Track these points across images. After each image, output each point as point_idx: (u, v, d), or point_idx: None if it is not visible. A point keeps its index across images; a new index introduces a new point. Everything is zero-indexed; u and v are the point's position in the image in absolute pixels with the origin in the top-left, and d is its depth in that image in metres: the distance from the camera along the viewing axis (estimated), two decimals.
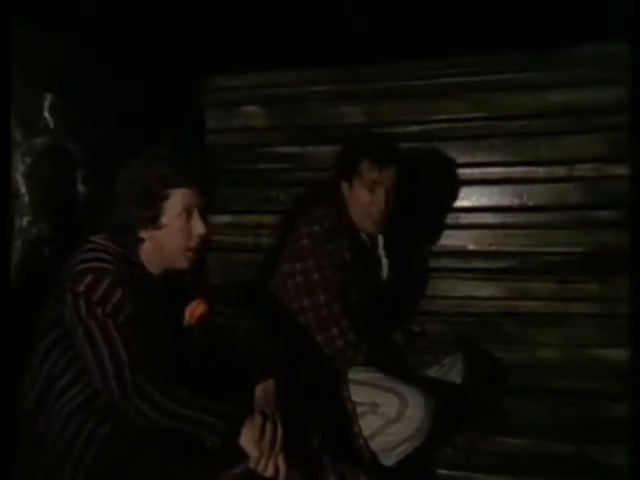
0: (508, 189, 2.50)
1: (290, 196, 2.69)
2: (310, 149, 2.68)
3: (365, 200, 1.89)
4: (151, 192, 1.43)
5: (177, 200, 1.44)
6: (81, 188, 2.10)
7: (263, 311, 1.79)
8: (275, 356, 1.60)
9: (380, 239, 2.04)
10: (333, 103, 2.64)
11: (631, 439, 1.33)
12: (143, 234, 1.47)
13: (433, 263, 2.61)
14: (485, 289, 2.55)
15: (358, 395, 1.81)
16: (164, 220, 1.45)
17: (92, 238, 1.46)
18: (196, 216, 1.47)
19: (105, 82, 2.21)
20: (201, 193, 1.48)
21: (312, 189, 2.58)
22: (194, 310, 1.56)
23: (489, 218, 2.54)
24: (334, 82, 2.63)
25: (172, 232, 1.46)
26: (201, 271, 2.45)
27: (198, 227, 1.47)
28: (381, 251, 2.05)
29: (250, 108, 2.74)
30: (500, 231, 2.53)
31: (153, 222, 1.45)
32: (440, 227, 2.59)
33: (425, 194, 2.52)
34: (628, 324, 1.53)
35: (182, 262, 1.49)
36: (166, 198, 1.44)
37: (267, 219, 2.71)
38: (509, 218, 2.51)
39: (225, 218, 2.78)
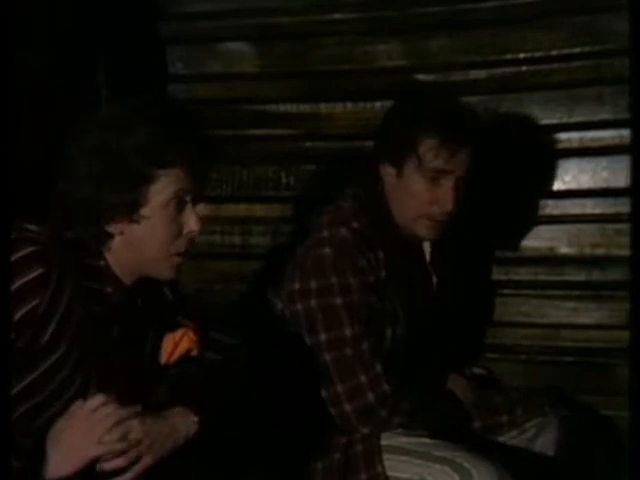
0: (622, 162, 2.40)
1: (296, 176, 2.66)
2: (324, 107, 2.67)
3: (424, 196, 1.91)
4: (130, 169, 1.43)
5: (166, 184, 1.45)
6: None
7: (254, 351, 1.77)
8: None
9: (426, 244, 2.06)
10: (359, 39, 2.61)
11: None
12: (112, 228, 1.46)
13: (506, 274, 2.59)
14: (587, 313, 2.52)
15: (397, 468, 1.81)
16: (146, 211, 1.45)
17: (26, 225, 1.44)
18: (190, 207, 1.49)
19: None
20: (198, 174, 1.50)
21: (332, 167, 2.56)
22: (179, 341, 1.56)
23: (592, 207, 2.50)
24: (361, 7, 2.59)
25: (155, 228, 1.47)
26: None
27: (192, 223, 1.49)
28: (427, 261, 2.08)
29: (235, 45, 2.73)
30: (609, 226, 2.48)
31: (130, 212, 1.45)
32: (517, 221, 2.56)
33: (495, 171, 2.45)
34: None
35: (165, 270, 1.53)
36: (151, 180, 1.44)
37: (261, 210, 2.71)
38: (623, 207, 2.39)
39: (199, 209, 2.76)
